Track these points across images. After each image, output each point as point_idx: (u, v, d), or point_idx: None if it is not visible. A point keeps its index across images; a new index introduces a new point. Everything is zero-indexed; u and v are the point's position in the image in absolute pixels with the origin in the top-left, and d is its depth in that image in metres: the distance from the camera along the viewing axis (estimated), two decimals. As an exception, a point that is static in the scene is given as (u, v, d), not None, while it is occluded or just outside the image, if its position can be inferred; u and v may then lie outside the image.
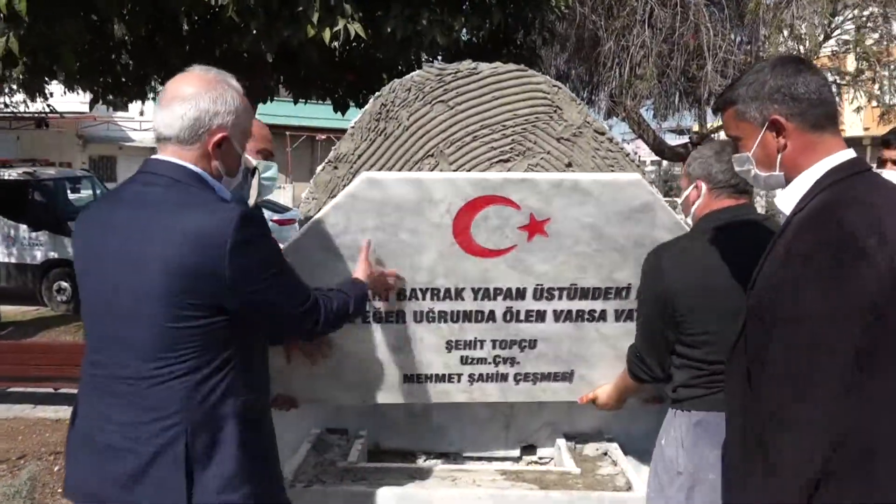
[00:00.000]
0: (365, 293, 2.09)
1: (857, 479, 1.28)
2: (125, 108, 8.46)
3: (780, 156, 1.49)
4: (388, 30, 5.34)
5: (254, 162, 2.22)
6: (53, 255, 9.70)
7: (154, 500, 1.54)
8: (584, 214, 2.33)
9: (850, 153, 1.47)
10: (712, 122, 12.07)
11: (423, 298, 2.44)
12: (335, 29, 4.96)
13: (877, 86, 10.34)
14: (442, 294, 2.43)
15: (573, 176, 2.36)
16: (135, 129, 22.55)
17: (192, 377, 1.55)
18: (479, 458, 2.92)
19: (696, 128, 13.38)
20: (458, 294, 2.43)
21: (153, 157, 1.67)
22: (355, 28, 4.98)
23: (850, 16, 10.00)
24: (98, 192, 11.54)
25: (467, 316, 2.47)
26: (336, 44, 5.11)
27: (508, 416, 2.87)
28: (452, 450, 2.93)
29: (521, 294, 2.44)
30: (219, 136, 1.65)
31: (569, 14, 9.27)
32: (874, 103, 10.71)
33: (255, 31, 5.17)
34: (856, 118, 11.52)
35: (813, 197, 1.42)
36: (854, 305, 1.27)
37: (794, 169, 1.49)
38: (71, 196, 11.22)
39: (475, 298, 2.44)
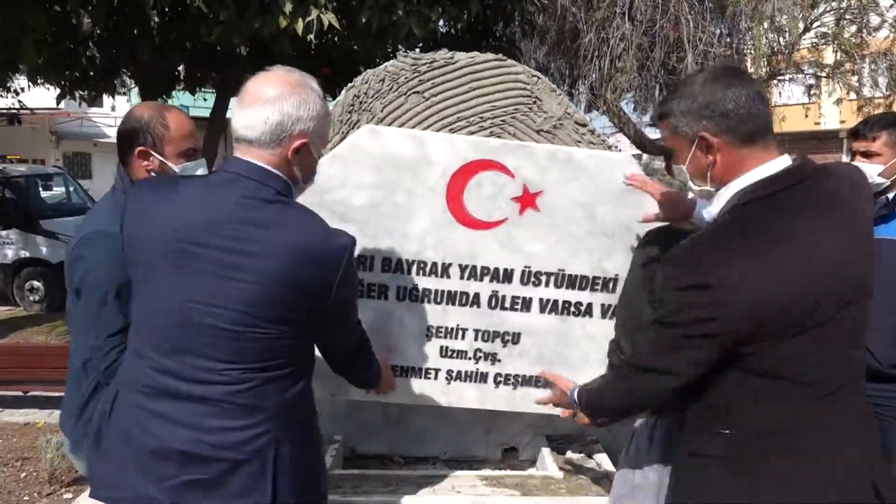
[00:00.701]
0: (380, 372, 2.10)
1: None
2: (95, 103, 8.24)
3: (710, 171, 1.54)
4: (363, 20, 5.22)
5: (176, 169, 2.02)
6: (25, 253, 9.48)
7: (239, 502, 1.54)
8: (576, 191, 2.33)
9: (771, 168, 1.50)
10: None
11: (409, 272, 2.38)
12: (308, 19, 4.83)
13: (855, 78, 10.38)
14: (429, 269, 2.38)
15: (568, 149, 2.37)
16: (110, 126, 22.21)
17: (282, 384, 1.58)
18: (460, 462, 2.83)
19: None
20: (445, 270, 2.38)
21: (236, 156, 1.61)
22: (329, 18, 4.85)
23: (829, 8, 10.02)
24: (71, 188, 11.32)
25: (451, 297, 2.40)
26: (310, 35, 4.98)
27: (489, 419, 2.79)
28: (431, 454, 2.85)
29: (508, 276, 2.38)
30: (298, 142, 1.60)
31: (549, 5, 9.18)
32: (852, 95, 10.76)
33: (224, 22, 5.01)
34: (835, 110, 11.58)
35: (722, 216, 1.53)
36: (684, 339, 1.46)
37: (723, 184, 1.54)
38: (43, 193, 11.00)
39: (462, 277, 2.39)
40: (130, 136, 2.02)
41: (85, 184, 14.96)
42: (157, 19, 6.67)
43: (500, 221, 2.35)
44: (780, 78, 10.82)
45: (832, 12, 9.93)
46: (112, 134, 22.61)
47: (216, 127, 7.60)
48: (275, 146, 1.58)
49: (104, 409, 1.77)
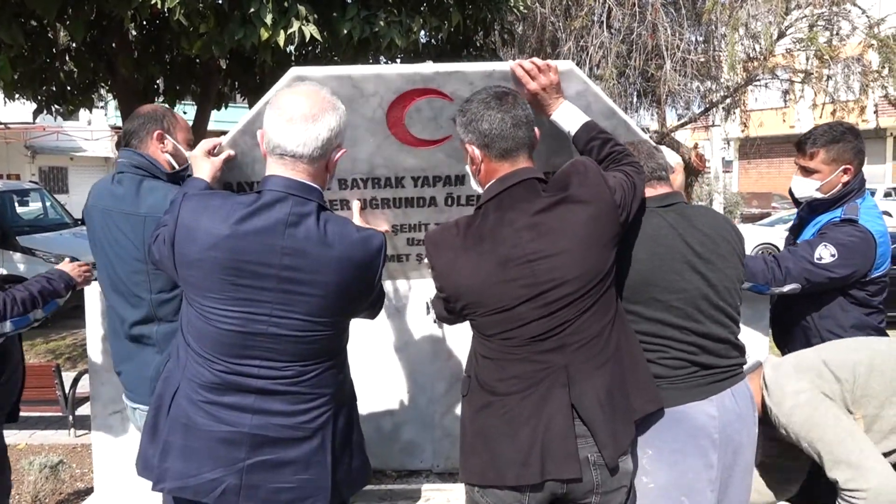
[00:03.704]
0: None
1: None
2: (71, 117, 8.13)
3: (477, 175, 1.93)
4: (345, 31, 5.21)
5: (186, 154, 2.30)
6: (1, 271, 9.30)
7: (303, 476, 1.72)
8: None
9: (504, 181, 1.82)
10: (672, 121, 12.20)
11: (365, 187, 2.44)
12: (289, 31, 4.81)
13: (830, 82, 10.54)
14: (383, 182, 2.44)
15: (504, 65, 2.24)
16: (86, 139, 21.96)
17: (335, 371, 1.80)
18: (453, 475, 2.81)
19: (654, 127, 13.52)
20: (399, 182, 2.44)
21: (276, 175, 1.73)
22: (310, 30, 4.83)
23: (802, 15, 10.18)
24: (48, 204, 11.16)
25: (409, 202, 2.49)
26: (291, 47, 4.96)
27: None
28: (424, 467, 2.83)
29: (460, 180, 2.44)
30: (340, 152, 1.80)
31: (528, 15, 9.25)
32: (826, 99, 10.93)
33: (204, 35, 4.97)
34: (810, 114, 11.76)
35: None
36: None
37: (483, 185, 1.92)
38: (19, 209, 10.82)
39: (416, 186, 2.46)
40: (150, 120, 2.27)
41: (62, 198, 14.77)
42: (135, 32, 6.62)
43: (444, 138, 2.34)
44: (755, 83, 10.97)
45: (805, 19, 10.09)
46: (89, 148, 22.37)
47: (197, 139, 7.54)
48: (321, 159, 1.75)
49: (159, 404, 1.81)
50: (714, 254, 2.01)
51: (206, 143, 2.16)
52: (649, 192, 2.09)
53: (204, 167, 2.10)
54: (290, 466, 1.71)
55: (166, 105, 2.38)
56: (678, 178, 2.38)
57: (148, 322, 2.16)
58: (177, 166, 2.28)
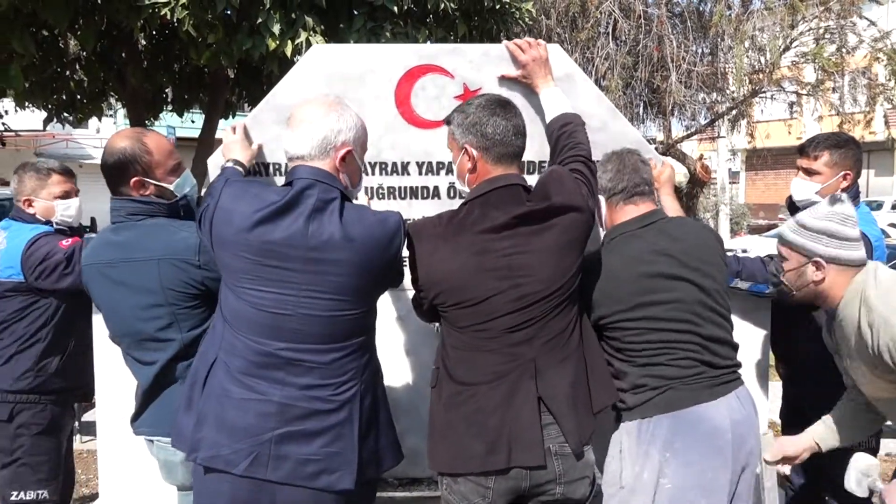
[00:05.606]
0: None
1: None
2: (81, 126, 8.23)
3: (467, 175, 1.99)
4: (352, 42, 5.25)
5: (171, 187, 2.17)
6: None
7: (330, 449, 1.78)
8: (512, 84, 2.51)
9: (493, 182, 1.92)
10: (677, 132, 12.20)
11: (373, 173, 2.59)
12: (297, 42, 4.87)
13: (836, 96, 10.53)
14: (389, 168, 2.60)
15: (499, 45, 2.53)
16: (95, 147, 22.09)
17: (364, 349, 1.89)
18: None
19: (660, 138, 13.53)
20: (405, 168, 2.60)
21: (301, 166, 1.85)
22: (317, 41, 4.89)
23: (808, 28, 10.18)
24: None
25: (414, 192, 2.63)
26: (298, 57, 5.01)
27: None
28: (425, 475, 2.83)
29: None
30: (344, 150, 1.88)
31: (534, 26, 9.30)
32: (832, 112, 10.91)
33: (213, 45, 5.03)
34: (816, 126, 11.75)
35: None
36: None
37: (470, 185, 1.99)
38: (28, 216, 10.80)
39: (420, 173, 2.61)
40: (120, 170, 2.11)
41: (70, 206, 14.76)
42: (144, 42, 6.70)
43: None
44: (762, 95, 10.97)
45: (811, 32, 10.10)
46: (98, 155, 22.44)
47: (205, 148, 7.60)
48: (324, 157, 1.85)
49: (195, 377, 1.87)
50: (699, 260, 2.06)
51: (237, 132, 2.32)
52: (629, 211, 2.14)
53: (241, 151, 2.25)
54: (317, 438, 1.77)
55: (136, 130, 2.25)
56: (665, 173, 2.44)
57: (176, 361, 2.09)
58: (165, 200, 2.15)
